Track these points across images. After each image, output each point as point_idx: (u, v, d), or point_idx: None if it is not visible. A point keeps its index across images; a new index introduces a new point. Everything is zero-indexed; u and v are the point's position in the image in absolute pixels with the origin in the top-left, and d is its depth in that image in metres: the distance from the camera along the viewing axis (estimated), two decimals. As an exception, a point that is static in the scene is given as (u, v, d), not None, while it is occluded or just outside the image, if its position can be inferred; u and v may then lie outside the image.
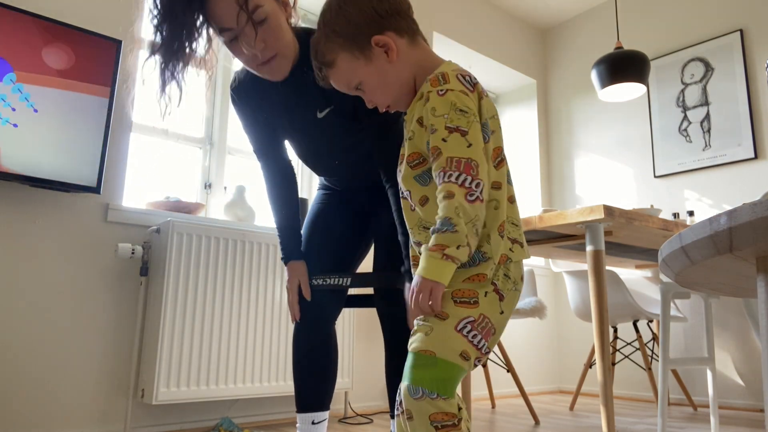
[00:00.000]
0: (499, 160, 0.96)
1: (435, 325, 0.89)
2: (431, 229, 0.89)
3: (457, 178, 0.87)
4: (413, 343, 0.90)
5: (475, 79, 0.99)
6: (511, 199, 1.00)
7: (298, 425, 1.52)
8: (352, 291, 1.82)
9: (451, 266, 0.86)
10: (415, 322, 0.92)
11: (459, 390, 3.28)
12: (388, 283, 1.48)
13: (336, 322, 1.59)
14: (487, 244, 0.92)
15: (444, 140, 0.89)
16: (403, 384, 0.88)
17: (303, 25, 1.45)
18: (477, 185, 0.87)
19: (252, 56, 1.27)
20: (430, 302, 0.87)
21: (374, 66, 1.01)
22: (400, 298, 1.43)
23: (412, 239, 1.02)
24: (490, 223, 0.93)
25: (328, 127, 1.44)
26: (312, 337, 1.53)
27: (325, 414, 1.53)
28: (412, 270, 1.01)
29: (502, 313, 0.94)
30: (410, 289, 0.91)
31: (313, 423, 1.50)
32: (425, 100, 0.95)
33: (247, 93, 1.48)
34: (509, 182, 1.01)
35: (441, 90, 0.93)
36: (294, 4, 1.36)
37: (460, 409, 0.88)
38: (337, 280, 1.49)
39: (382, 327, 1.54)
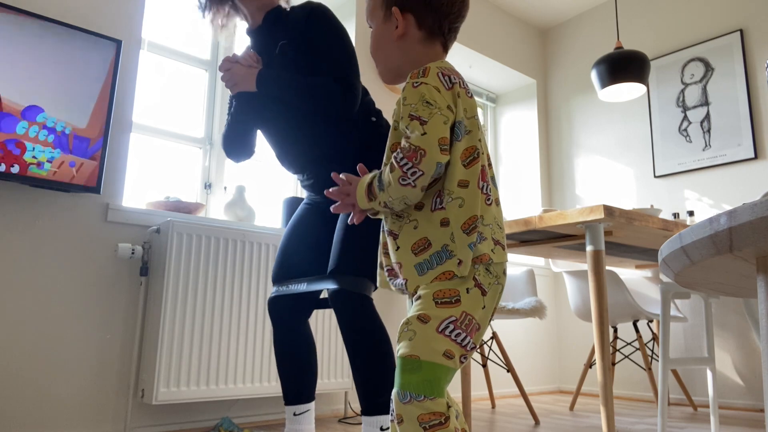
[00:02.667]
0: (470, 159, 0.97)
1: (417, 330, 0.92)
2: (376, 171, 0.99)
3: (400, 160, 0.93)
4: (399, 349, 0.93)
5: (458, 79, 1.00)
6: (496, 202, 1.02)
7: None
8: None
9: (369, 203, 1.00)
10: (399, 329, 0.95)
11: (459, 390, 3.28)
12: (323, 286, 1.57)
13: (307, 322, 1.75)
14: (452, 243, 0.94)
15: (407, 128, 0.95)
16: (393, 390, 0.91)
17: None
18: (413, 173, 0.92)
19: None
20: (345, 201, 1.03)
21: (384, 26, 1.07)
22: (337, 300, 1.51)
23: (385, 227, 1.04)
24: (453, 221, 0.94)
25: (282, 63, 1.64)
26: (284, 340, 1.70)
27: (308, 406, 1.69)
28: (384, 259, 1.05)
29: (484, 308, 0.96)
30: (349, 186, 1.03)
31: (294, 414, 1.67)
32: (402, 91, 0.99)
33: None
34: (494, 185, 1.03)
35: (416, 82, 0.96)
36: None
37: (449, 407, 0.89)
38: (295, 285, 1.65)
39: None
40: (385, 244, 1.06)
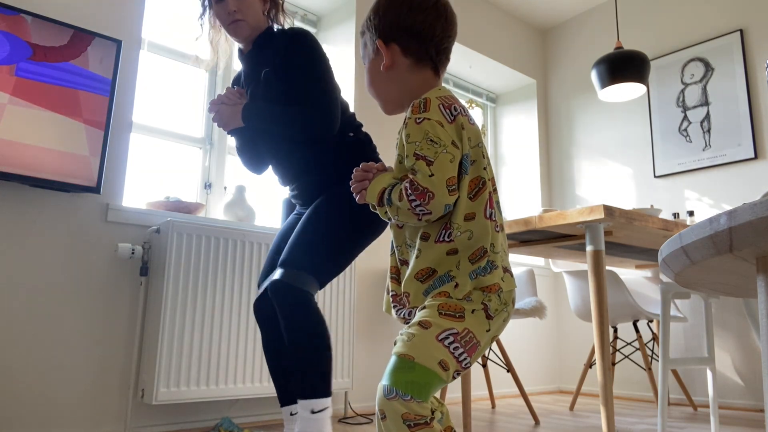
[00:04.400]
0: (476, 190, 0.98)
1: (417, 333, 0.92)
2: (393, 184, 0.99)
3: (409, 195, 0.94)
4: (395, 348, 0.93)
5: (459, 107, 1.00)
6: (501, 227, 1.03)
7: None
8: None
9: (378, 206, 1.01)
10: (400, 333, 0.95)
11: (459, 390, 3.28)
12: (271, 279, 1.65)
13: None
14: (455, 269, 0.95)
15: (413, 168, 0.95)
16: (381, 384, 0.90)
17: (298, 24, 1.72)
18: (421, 211, 0.93)
19: (226, 15, 1.75)
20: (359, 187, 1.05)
21: (374, 61, 1.09)
22: (274, 290, 1.58)
23: (398, 256, 1.06)
24: (462, 251, 0.96)
25: (266, 90, 1.77)
26: (270, 341, 1.75)
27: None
28: (392, 284, 1.07)
29: (488, 331, 0.96)
30: (364, 175, 1.05)
31: (291, 414, 1.72)
32: (404, 125, 0.99)
33: (233, 81, 2.00)
34: (499, 210, 1.04)
35: (419, 118, 0.96)
36: (275, 4, 1.85)
37: (433, 412, 0.90)
38: (264, 283, 1.74)
39: None
40: (393, 269, 1.08)
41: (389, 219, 1.02)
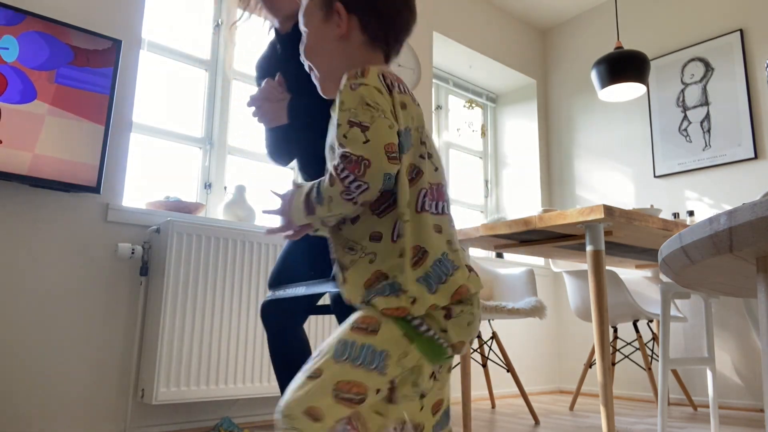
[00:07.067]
0: (411, 177, 0.86)
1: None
2: (312, 183, 0.86)
3: (340, 172, 0.80)
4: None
5: (402, 86, 0.91)
6: (451, 222, 0.91)
7: None
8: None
9: (307, 217, 0.87)
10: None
11: (459, 391, 3.28)
12: (324, 289, 1.58)
13: (303, 327, 1.75)
14: (400, 274, 0.81)
15: (345, 136, 0.82)
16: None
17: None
18: (357, 187, 0.79)
19: None
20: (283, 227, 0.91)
21: (323, 26, 0.98)
22: (339, 303, 1.51)
23: (335, 256, 0.92)
24: (408, 239, 0.82)
25: (310, 81, 1.65)
26: (279, 344, 1.72)
27: None
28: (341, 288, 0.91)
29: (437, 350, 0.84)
30: (283, 202, 0.90)
31: None
32: (339, 94, 0.88)
33: (259, 62, 1.81)
34: (442, 210, 0.91)
35: (355, 83, 0.85)
36: None
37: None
38: (293, 289, 1.66)
39: None
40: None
41: (324, 224, 0.87)
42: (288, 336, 1.73)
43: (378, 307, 0.81)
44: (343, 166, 0.80)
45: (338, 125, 0.84)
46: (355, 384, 0.77)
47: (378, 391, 0.79)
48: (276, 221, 0.93)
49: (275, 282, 1.75)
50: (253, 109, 1.66)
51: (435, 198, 0.88)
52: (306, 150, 1.72)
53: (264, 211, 0.94)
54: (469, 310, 0.84)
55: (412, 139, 0.88)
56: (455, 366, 2.85)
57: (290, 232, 0.91)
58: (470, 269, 0.87)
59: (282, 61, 1.72)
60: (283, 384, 1.72)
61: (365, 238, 0.86)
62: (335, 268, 0.90)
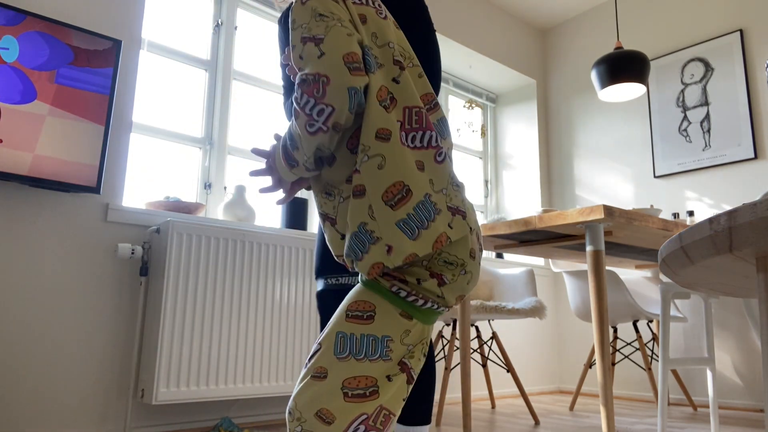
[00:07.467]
0: (389, 99, 0.74)
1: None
2: (284, 136, 0.79)
3: (300, 99, 0.70)
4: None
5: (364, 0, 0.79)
6: (446, 156, 0.77)
7: None
8: None
9: (291, 171, 0.79)
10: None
11: (459, 390, 3.27)
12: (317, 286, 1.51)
13: None
14: (371, 220, 0.70)
15: (300, 57, 0.72)
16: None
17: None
18: (320, 112, 0.69)
19: None
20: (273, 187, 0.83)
21: None
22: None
23: (318, 209, 0.82)
24: (370, 188, 0.70)
25: None
26: None
27: None
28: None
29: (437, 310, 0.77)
30: (268, 160, 0.82)
31: None
32: (290, 14, 0.78)
33: (284, 16, 1.73)
34: (443, 135, 0.80)
35: None
36: None
37: None
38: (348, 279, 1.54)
39: None
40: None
41: (308, 170, 0.77)
42: None
43: (361, 271, 0.74)
44: (302, 92, 0.69)
45: (293, 47, 0.74)
46: (362, 378, 0.72)
47: (389, 377, 0.73)
48: (267, 182, 0.88)
49: (316, 271, 1.66)
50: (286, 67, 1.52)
51: (415, 128, 0.75)
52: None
53: (251, 173, 0.86)
54: (460, 271, 0.74)
55: (381, 58, 0.76)
56: (455, 366, 2.85)
57: (283, 194, 0.85)
58: (455, 212, 0.74)
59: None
60: None
61: (342, 181, 0.75)
62: (322, 224, 0.81)
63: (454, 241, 0.73)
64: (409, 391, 0.77)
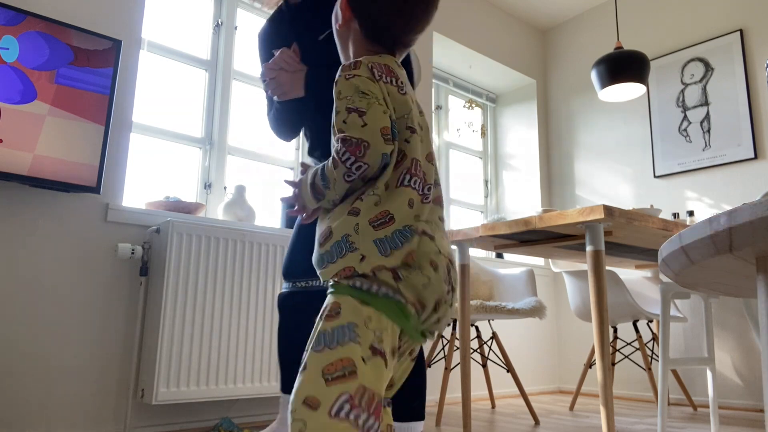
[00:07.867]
0: (397, 160, 0.93)
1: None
2: (316, 168, 0.94)
3: (342, 155, 0.88)
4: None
5: (389, 77, 0.97)
6: (435, 201, 0.97)
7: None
8: None
9: (317, 202, 0.96)
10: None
11: (459, 390, 3.28)
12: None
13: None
14: (355, 234, 0.88)
15: (344, 122, 0.90)
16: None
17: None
18: (358, 168, 0.88)
19: None
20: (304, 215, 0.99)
21: (343, 27, 1.07)
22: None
23: (324, 224, 0.98)
24: (363, 212, 0.89)
25: (325, 54, 1.57)
26: (286, 334, 1.68)
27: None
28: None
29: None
30: (296, 189, 0.99)
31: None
32: (335, 84, 0.96)
33: (264, 31, 1.74)
34: (435, 184, 0.98)
35: (349, 75, 0.94)
36: None
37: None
38: (309, 282, 1.65)
39: None
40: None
41: (331, 204, 0.94)
42: (301, 322, 1.66)
43: (328, 274, 0.89)
44: (345, 149, 0.88)
45: (337, 112, 0.92)
46: (337, 362, 0.81)
47: (363, 359, 0.82)
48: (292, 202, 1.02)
49: (287, 273, 1.69)
50: (267, 80, 1.57)
51: (413, 173, 0.93)
52: (319, 123, 1.64)
53: (281, 199, 1.05)
54: (417, 273, 0.87)
55: (398, 126, 0.95)
56: (455, 366, 2.85)
57: (304, 216, 1.00)
58: (424, 233, 0.90)
59: (293, 33, 1.65)
60: (284, 367, 1.68)
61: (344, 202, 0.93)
62: (320, 235, 0.95)
63: (419, 252, 0.88)
64: (389, 377, 0.87)
